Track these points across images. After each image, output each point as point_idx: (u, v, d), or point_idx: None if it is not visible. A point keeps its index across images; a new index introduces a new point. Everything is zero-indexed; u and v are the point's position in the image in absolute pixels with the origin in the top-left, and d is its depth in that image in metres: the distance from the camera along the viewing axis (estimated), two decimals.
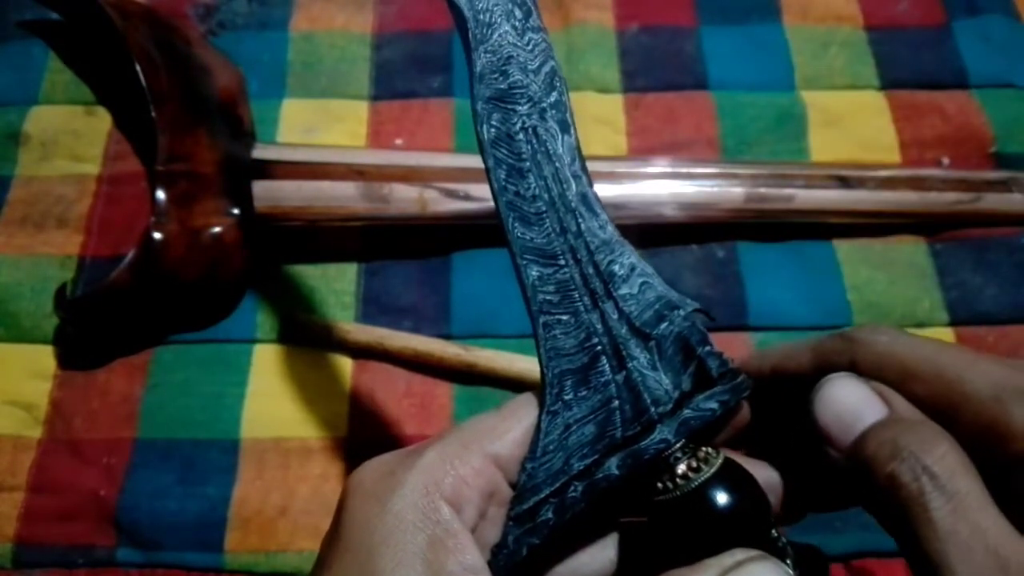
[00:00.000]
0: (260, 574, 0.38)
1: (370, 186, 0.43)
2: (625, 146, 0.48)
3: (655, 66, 0.51)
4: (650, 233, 0.45)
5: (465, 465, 0.22)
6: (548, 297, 0.24)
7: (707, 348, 0.24)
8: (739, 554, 0.21)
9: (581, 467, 0.23)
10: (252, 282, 0.44)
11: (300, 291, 0.44)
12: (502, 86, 0.25)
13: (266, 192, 0.42)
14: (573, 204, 0.25)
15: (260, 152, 0.44)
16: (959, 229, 0.46)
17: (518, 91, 0.25)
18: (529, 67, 0.26)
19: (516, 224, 0.25)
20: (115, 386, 0.42)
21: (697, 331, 0.24)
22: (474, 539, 0.21)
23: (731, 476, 0.23)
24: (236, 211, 0.42)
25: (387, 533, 0.21)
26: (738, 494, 0.23)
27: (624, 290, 0.25)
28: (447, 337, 0.43)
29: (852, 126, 0.49)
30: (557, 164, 0.25)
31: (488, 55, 0.25)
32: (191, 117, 0.43)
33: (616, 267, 0.25)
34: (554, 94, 0.26)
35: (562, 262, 0.25)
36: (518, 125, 0.25)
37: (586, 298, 0.24)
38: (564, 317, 0.24)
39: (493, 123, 0.25)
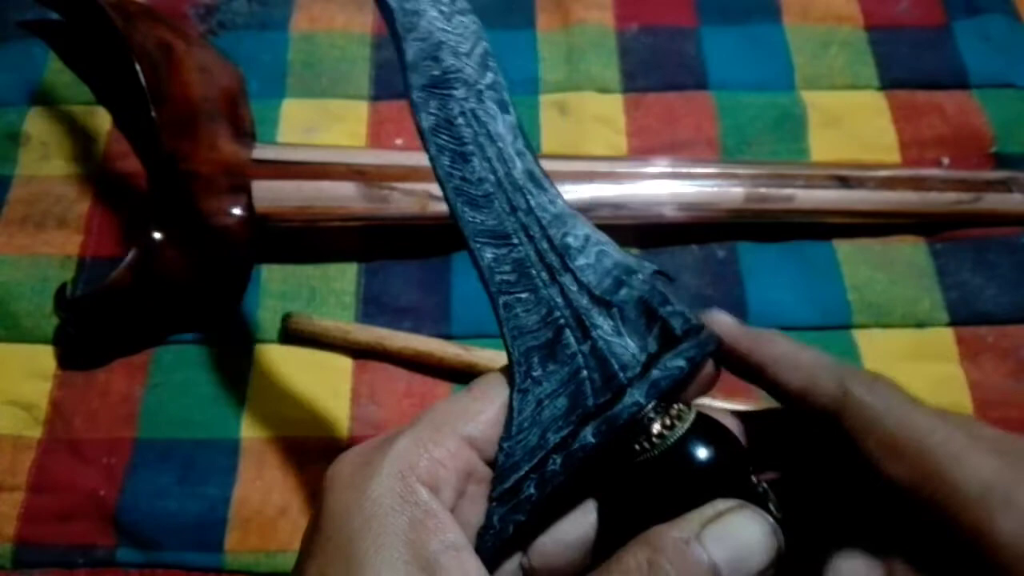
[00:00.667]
0: (260, 574, 0.38)
1: (370, 186, 0.43)
2: (625, 146, 0.48)
3: (655, 66, 0.51)
4: (650, 233, 0.45)
5: (439, 448, 0.22)
6: (505, 277, 0.24)
7: (669, 307, 0.24)
8: (720, 504, 0.21)
9: (557, 440, 0.23)
10: (252, 282, 0.44)
11: (300, 291, 0.44)
12: (436, 72, 0.25)
13: (266, 192, 0.42)
14: (520, 182, 0.25)
15: (260, 152, 0.44)
16: (959, 229, 0.46)
17: (452, 76, 0.25)
18: (460, 50, 0.26)
19: (465, 208, 0.25)
20: (115, 386, 0.42)
21: (657, 292, 0.24)
22: (454, 518, 0.21)
23: (706, 429, 0.23)
24: (236, 211, 0.42)
25: (367, 518, 0.21)
26: (715, 445, 0.23)
27: (581, 261, 0.25)
28: (447, 337, 0.43)
29: (852, 126, 0.49)
30: (500, 144, 0.25)
31: (418, 43, 0.25)
32: (191, 117, 0.43)
33: (570, 239, 0.25)
34: (489, 75, 0.26)
35: (515, 241, 0.25)
36: (456, 110, 0.25)
37: (544, 273, 0.24)
38: (524, 295, 0.24)
39: (431, 110, 0.25)
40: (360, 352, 0.42)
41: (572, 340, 0.24)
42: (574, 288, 0.24)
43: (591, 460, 0.23)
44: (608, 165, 0.45)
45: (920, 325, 0.43)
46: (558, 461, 0.23)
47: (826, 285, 0.44)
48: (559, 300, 0.24)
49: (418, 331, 0.43)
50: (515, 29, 0.52)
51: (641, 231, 0.45)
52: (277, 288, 0.44)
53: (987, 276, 0.44)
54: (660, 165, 0.45)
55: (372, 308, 0.44)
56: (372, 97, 0.50)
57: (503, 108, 0.26)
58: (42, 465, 0.40)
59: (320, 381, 0.42)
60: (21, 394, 0.42)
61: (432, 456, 0.22)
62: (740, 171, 0.45)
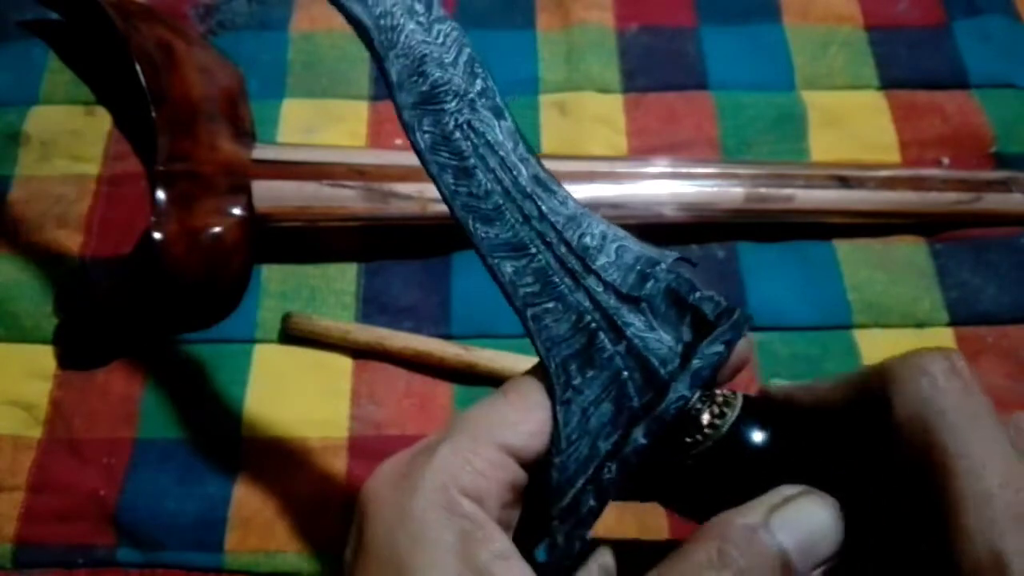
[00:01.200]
0: (260, 574, 0.38)
1: (370, 186, 0.43)
2: (625, 146, 0.48)
3: (655, 66, 0.51)
4: (650, 233, 0.45)
5: (479, 458, 0.22)
6: (529, 289, 0.24)
7: (698, 294, 0.24)
8: (785, 490, 0.21)
9: (608, 446, 0.23)
10: (252, 282, 0.44)
11: (300, 291, 0.44)
12: (424, 88, 0.25)
13: (266, 192, 0.42)
14: (528, 189, 0.25)
15: (260, 152, 0.44)
16: (959, 229, 0.46)
17: (441, 89, 0.25)
18: (446, 60, 0.25)
19: (477, 225, 0.24)
20: (115, 386, 0.42)
21: (684, 281, 0.24)
22: (499, 527, 0.21)
23: (755, 411, 0.23)
24: (236, 211, 0.42)
25: (415, 536, 0.21)
26: (768, 426, 0.23)
27: (602, 260, 0.24)
28: (447, 337, 0.43)
29: (852, 126, 0.49)
30: (501, 153, 0.25)
31: (401, 60, 0.25)
32: (191, 117, 0.43)
33: (588, 239, 0.25)
34: (479, 82, 0.25)
35: (533, 250, 0.24)
36: (451, 124, 0.24)
37: (567, 279, 0.24)
38: (550, 304, 0.24)
39: (426, 129, 0.24)
40: (360, 352, 0.42)
41: (607, 342, 0.24)
42: (600, 289, 0.24)
43: (645, 461, 0.23)
44: (608, 165, 0.45)
45: (920, 325, 0.43)
46: (613, 468, 0.22)
47: (826, 285, 0.44)
48: (587, 304, 0.24)
49: (418, 331, 0.43)
50: (515, 29, 0.52)
51: (641, 231, 0.44)
52: (277, 288, 0.44)
53: (987, 276, 0.44)
54: (660, 165, 0.45)
55: (372, 308, 0.44)
56: (372, 97, 0.50)
57: (498, 114, 0.25)
58: (42, 465, 0.40)
59: (320, 381, 0.42)
60: (21, 394, 0.42)
61: (474, 467, 0.22)
62: (740, 171, 0.45)
